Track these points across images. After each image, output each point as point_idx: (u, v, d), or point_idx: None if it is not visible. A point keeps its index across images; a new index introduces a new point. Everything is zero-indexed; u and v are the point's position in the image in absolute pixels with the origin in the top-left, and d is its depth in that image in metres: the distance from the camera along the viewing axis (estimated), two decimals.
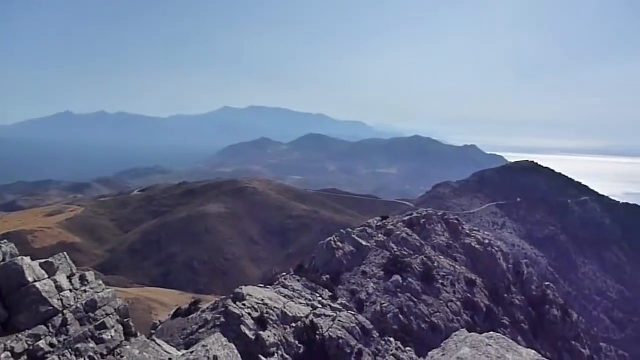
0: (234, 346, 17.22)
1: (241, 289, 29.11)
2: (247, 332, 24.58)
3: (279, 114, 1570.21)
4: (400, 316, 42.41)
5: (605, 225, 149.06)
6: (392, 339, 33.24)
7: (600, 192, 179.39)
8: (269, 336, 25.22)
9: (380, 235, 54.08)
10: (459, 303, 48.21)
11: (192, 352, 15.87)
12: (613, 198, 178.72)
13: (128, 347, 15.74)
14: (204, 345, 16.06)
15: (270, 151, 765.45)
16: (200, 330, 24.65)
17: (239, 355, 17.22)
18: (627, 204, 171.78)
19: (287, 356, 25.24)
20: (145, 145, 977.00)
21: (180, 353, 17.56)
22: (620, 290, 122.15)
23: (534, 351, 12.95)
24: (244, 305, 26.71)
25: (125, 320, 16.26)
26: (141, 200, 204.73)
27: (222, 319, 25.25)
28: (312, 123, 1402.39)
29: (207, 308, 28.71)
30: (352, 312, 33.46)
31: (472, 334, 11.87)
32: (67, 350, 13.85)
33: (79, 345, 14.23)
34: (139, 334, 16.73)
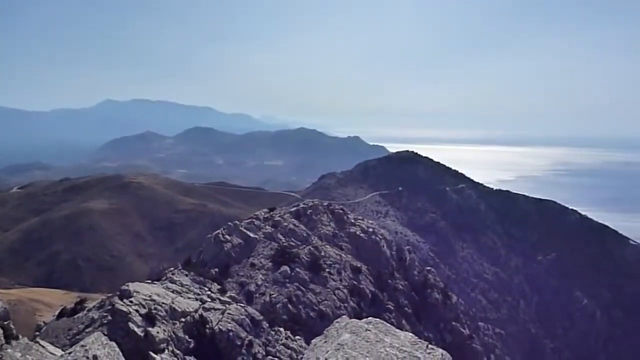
0: (115, 344, 16.86)
1: (128, 285, 28.42)
2: (136, 329, 24.17)
3: (163, 106, 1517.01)
4: (289, 306, 43.44)
5: (481, 211, 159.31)
6: (281, 329, 34.06)
7: (476, 180, 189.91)
8: (158, 332, 24.95)
9: (267, 227, 54.75)
10: (345, 290, 50.18)
11: (70, 353, 15.40)
12: (487, 185, 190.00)
13: (9, 350, 15.03)
14: (82, 345, 15.62)
15: (155, 145, 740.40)
16: (87, 330, 23.84)
17: (121, 353, 16.92)
18: (500, 190, 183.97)
19: (178, 351, 25.14)
20: (25, 140, 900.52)
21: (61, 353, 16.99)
22: (495, 272, 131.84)
23: (411, 334, 14.08)
24: (131, 302, 26.16)
25: (5, 322, 15.49)
26: (21, 198, 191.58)
27: (109, 317, 24.61)
28: (198, 116, 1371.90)
29: (94, 306, 27.76)
30: (242, 304, 33.83)
31: (353, 320, 12.76)
32: None
33: None
34: (20, 337, 16.00)
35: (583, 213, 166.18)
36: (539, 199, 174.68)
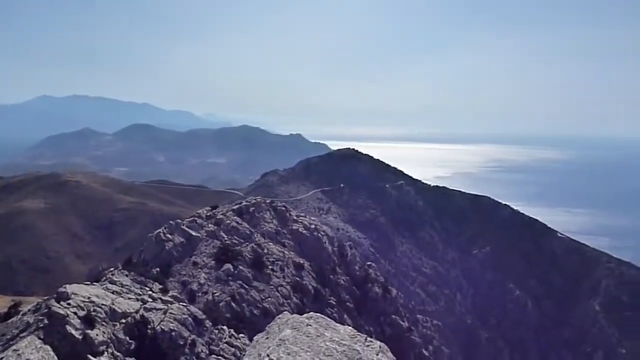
0: (49, 348, 16.64)
1: (65, 287, 27.67)
2: (74, 332, 23.66)
3: (102, 103, 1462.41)
4: (233, 304, 43.46)
5: (419, 207, 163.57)
6: (225, 327, 34.08)
7: (414, 177, 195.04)
8: (97, 334, 24.52)
9: (210, 225, 54.43)
10: (288, 287, 50.67)
11: (1, 359, 15.10)
12: (425, 181, 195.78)
13: None
14: (15, 350, 15.35)
15: (93, 142, 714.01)
16: (22, 335, 23.10)
17: (56, 357, 16.72)
18: (437, 186, 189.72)
19: (118, 353, 24.80)
20: None
21: None
22: (433, 265, 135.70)
23: (350, 328, 14.67)
24: (68, 304, 25.52)
25: None
26: None
27: (46, 321, 23.93)
28: (137, 112, 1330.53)
29: (29, 310, 26.86)
30: (184, 304, 33.61)
31: (294, 315, 13.22)
32: None
33: None
34: None
35: (515, 208, 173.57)
36: (474, 194, 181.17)
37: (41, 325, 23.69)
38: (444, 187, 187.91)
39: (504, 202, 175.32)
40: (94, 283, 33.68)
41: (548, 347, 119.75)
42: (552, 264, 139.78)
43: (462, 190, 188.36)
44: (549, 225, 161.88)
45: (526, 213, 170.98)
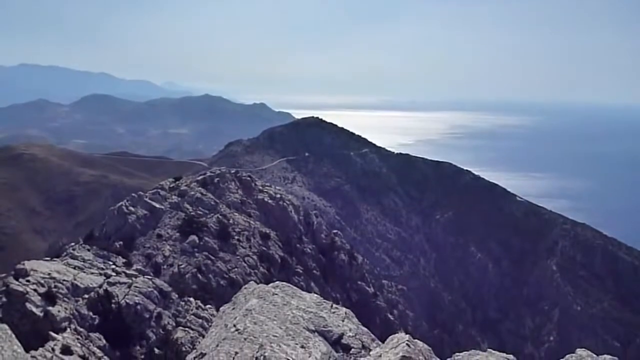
0: (6, 327, 16.15)
1: (24, 264, 26.98)
2: (34, 309, 23.15)
3: (55, 72, 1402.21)
4: (199, 275, 43.26)
5: (383, 174, 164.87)
6: (191, 299, 33.99)
7: (378, 144, 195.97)
8: (59, 311, 24.06)
9: (174, 197, 53.66)
10: (255, 257, 50.66)
11: None
12: (388, 149, 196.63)
13: None
14: None
15: (49, 113, 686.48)
16: None
17: (13, 335, 16.27)
18: (400, 153, 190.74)
19: (81, 329, 24.44)
20: None
21: None
22: (397, 232, 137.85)
23: (316, 295, 14.78)
24: (28, 281, 24.91)
25: None
26: None
27: (4, 299, 23.32)
28: (94, 82, 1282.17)
29: None
30: (149, 277, 33.29)
31: (260, 285, 13.20)
32: None
33: None
34: None
35: (476, 173, 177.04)
36: (437, 161, 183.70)
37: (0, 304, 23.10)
38: (407, 155, 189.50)
39: (465, 168, 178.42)
40: (54, 259, 32.95)
41: (508, 306, 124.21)
42: (512, 226, 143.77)
43: (425, 157, 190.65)
44: (509, 190, 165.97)
45: (487, 178, 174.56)
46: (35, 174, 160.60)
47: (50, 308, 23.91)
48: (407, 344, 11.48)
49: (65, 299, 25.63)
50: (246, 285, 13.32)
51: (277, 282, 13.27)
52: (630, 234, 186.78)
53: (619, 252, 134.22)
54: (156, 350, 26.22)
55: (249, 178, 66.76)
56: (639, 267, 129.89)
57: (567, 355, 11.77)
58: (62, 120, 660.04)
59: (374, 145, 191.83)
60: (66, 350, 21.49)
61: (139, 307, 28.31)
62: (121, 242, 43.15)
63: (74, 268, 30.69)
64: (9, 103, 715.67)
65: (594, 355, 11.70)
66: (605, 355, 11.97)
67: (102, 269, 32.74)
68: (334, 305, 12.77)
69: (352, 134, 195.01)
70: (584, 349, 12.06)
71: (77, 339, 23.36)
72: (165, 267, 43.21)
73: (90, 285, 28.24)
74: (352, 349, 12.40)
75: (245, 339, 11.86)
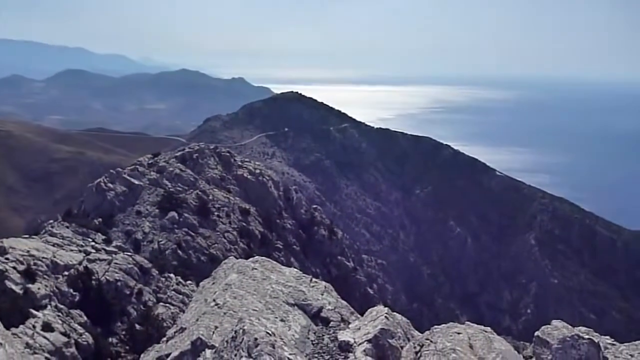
0: None
1: (2, 241, 26.78)
2: (14, 286, 23.08)
3: (29, 47, 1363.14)
4: (179, 251, 43.35)
5: (363, 149, 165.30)
6: (172, 275, 34.09)
7: (358, 119, 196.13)
8: (39, 288, 24.03)
9: (152, 173, 53.36)
10: (235, 232, 50.83)
11: None
12: (368, 124, 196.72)
13: None
14: None
15: (23, 89, 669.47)
16: None
17: None
18: (380, 128, 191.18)
19: (62, 306, 24.43)
20: None
21: None
22: (377, 206, 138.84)
23: (296, 269, 15.01)
24: (7, 259, 24.77)
25: None
26: None
27: None
28: (70, 57, 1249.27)
29: None
30: (129, 253, 33.26)
31: (240, 260, 13.36)
32: None
33: None
34: None
35: (456, 148, 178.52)
36: (416, 135, 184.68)
37: None
38: (387, 129, 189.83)
39: (445, 143, 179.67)
40: (33, 236, 32.72)
41: (486, 279, 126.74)
42: (491, 201, 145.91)
43: (405, 131, 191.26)
44: (488, 164, 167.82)
45: (467, 153, 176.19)
46: (11, 151, 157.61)
47: (30, 285, 23.86)
48: (385, 317, 11.78)
49: (45, 276, 25.56)
50: (226, 260, 13.48)
51: (257, 257, 13.43)
52: (608, 208, 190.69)
53: (596, 226, 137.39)
54: (137, 326, 26.35)
55: (228, 154, 66.44)
56: (615, 241, 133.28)
57: (543, 327, 12.10)
58: (37, 96, 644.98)
59: (354, 120, 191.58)
60: (47, 327, 21.52)
61: (119, 283, 28.34)
62: (100, 219, 42.93)
63: (53, 245, 30.52)
64: None
65: (569, 327, 12.05)
66: (580, 327, 12.34)
67: (82, 246, 32.61)
68: (314, 279, 13.01)
69: (332, 108, 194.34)
70: (559, 320, 12.40)
71: (58, 315, 23.37)
72: (145, 243, 43.17)
73: (70, 263, 28.16)
74: (332, 322, 12.68)
75: (224, 313, 12.07)
